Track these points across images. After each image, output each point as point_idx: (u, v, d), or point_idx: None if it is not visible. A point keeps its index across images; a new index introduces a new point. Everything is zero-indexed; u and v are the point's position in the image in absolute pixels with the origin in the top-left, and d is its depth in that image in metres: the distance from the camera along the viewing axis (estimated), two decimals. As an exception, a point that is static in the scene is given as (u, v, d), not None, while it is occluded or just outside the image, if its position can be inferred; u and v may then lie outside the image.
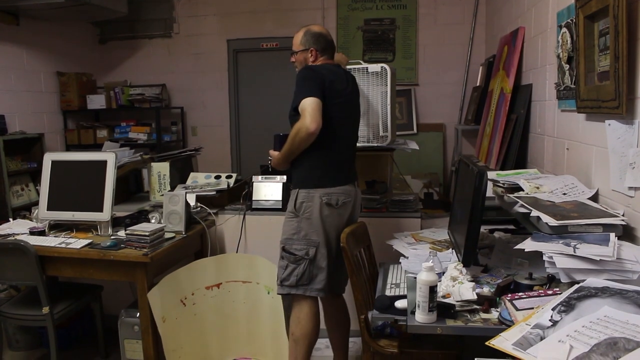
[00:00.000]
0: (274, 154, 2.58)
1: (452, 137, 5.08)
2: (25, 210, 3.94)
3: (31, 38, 4.76)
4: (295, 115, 2.40)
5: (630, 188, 1.77)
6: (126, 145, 4.50)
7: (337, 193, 2.48)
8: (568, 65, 2.36)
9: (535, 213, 1.83)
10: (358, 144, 3.23)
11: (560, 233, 1.71)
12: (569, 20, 2.35)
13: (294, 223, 2.48)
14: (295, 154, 2.46)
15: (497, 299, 1.76)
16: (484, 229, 2.45)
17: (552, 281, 1.77)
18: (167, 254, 2.68)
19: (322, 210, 2.45)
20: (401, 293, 2.01)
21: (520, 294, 1.67)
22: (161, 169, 3.42)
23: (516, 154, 3.16)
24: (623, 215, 1.77)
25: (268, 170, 3.22)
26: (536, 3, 3.05)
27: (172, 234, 2.80)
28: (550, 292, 1.62)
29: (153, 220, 2.92)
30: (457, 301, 1.76)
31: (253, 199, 3.24)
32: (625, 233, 1.74)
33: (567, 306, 1.34)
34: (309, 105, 2.32)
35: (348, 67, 3.25)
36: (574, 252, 1.58)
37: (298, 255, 2.45)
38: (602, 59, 1.96)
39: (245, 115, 5.62)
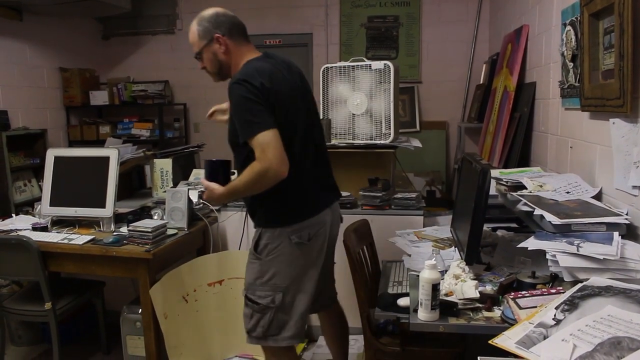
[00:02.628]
0: (213, 187, 2.04)
1: (455, 135, 5.07)
2: (27, 206, 3.95)
3: (34, 34, 4.77)
4: (239, 147, 2.00)
5: (634, 187, 1.77)
6: (129, 142, 4.50)
7: (307, 227, 2.08)
8: (572, 64, 2.35)
9: (538, 211, 1.82)
10: (361, 142, 3.24)
11: (563, 231, 1.71)
12: (573, 18, 2.34)
13: (255, 266, 2.11)
14: (249, 195, 2.08)
15: (500, 297, 1.76)
16: (486, 227, 2.44)
17: (555, 280, 1.76)
18: (169, 251, 2.68)
19: (291, 252, 2.07)
20: (403, 291, 2.01)
21: (523, 292, 1.67)
22: (164, 166, 3.42)
23: (519, 152, 3.15)
24: (627, 214, 1.76)
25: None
26: (540, 1, 3.04)
27: (175, 231, 2.80)
28: (553, 290, 1.62)
29: (155, 217, 2.92)
30: (460, 299, 1.75)
31: (255, 195, 3.23)
32: (629, 232, 1.74)
33: (571, 305, 1.34)
34: (271, 142, 1.88)
35: (352, 64, 3.25)
36: (578, 250, 1.58)
37: (262, 303, 2.09)
38: (606, 57, 1.95)
39: (248, 112, 5.61)
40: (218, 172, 2.08)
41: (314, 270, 2.14)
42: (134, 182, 3.77)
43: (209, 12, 2.09)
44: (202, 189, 2.11)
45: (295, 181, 2.01)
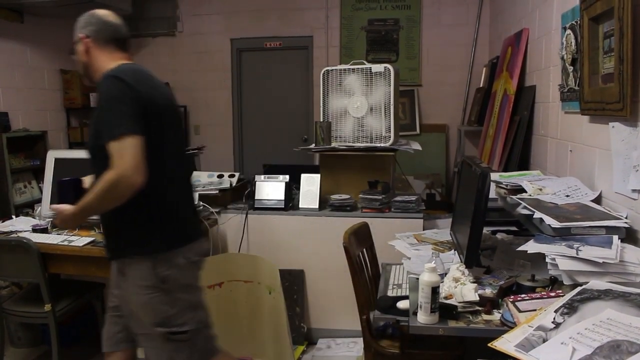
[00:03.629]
0: (62, 208, 1.82)
1: (455, 138, 5.08)
2: (28, 208, 3.96)
3: (35, 35, 4.78)
4: (101, 153, 1.70)
5: (633, 190, 1.77)
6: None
7: (197, 246, 1.96)
8: (572, 67, 2.36)
9: (538, 215, 1.82)
10: (361, 144, 3.25)
11: (563, 235, 1.71)
12: (573, 22, 2.34)
13: (161, 298, 1.81)
14: (105, 211, 1.81)
15: (500, 300, 1.76)
16: (486, 230, 2.44)
17: (554, 283, 1.76)
18: (169, 253, 2.68)
19: (189, 268, 1.91)
20: (403, 294, 2.01)
21: (522, 295, 1.67)
22: (164, 168, 3.42)
23: (519, 155, 3.15)
24: (626, 218, 1.76)
25: (270, 169, 3.21)
26: (540, 4, 3.05)
27: (175, 233, 2.80)
28: (552, 294, 1.62)
29: (155, 219, 2.92)
30: (459, 302, 1.75)
31: (255, 198, 3.24)
32: (629, 235, 1.74)
33: (570, 308, 1.34)
34: (129, 149, 1.67)
35: (352, 67, 3.26)
36: (577, 254, 1.58)
37: (190, 329, 1.86)
38: (606, 61, 1.95)
39: (248, 114, 5.62)
40: (68, 192, 1.88)
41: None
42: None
43: (90, 12, 1.97)
44: (55, 216, 1.86)
45: (180, 202, 1.93)
